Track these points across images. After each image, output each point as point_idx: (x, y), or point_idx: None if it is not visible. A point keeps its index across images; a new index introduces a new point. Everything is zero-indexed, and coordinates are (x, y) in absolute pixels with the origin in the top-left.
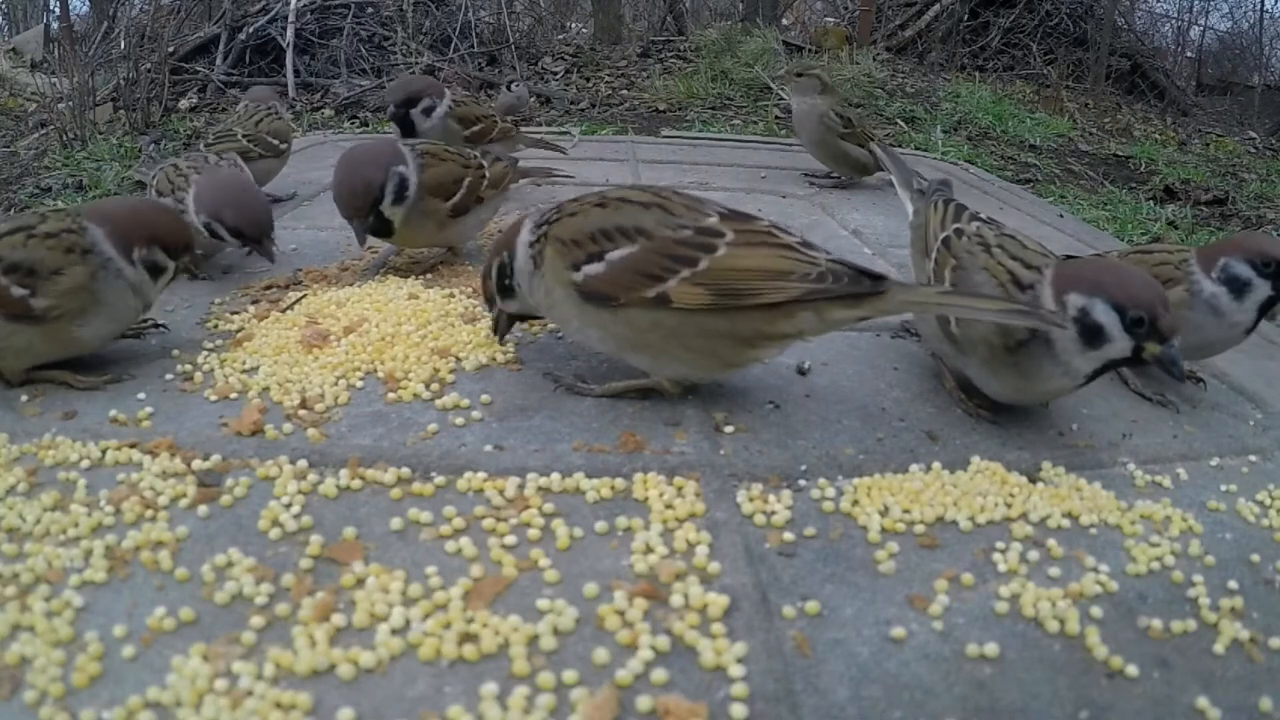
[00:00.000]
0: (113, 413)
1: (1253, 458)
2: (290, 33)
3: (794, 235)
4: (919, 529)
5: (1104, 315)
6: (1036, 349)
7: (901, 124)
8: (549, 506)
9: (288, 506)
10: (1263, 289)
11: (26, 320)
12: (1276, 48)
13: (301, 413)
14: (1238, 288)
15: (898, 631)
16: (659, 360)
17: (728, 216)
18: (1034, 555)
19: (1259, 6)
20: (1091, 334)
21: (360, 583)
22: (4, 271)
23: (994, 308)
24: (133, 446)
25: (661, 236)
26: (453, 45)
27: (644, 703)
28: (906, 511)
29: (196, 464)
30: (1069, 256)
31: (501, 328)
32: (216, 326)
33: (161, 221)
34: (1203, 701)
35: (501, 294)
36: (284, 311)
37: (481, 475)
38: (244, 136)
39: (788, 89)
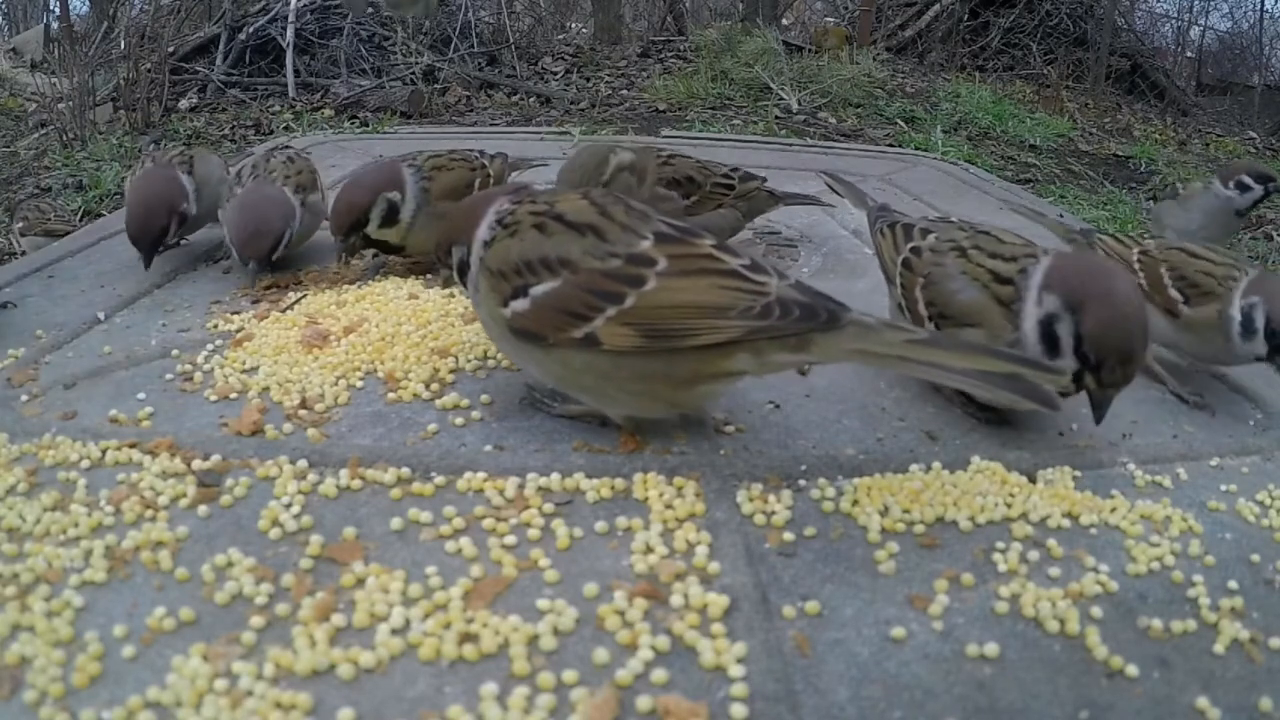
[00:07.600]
0: (113, 413)
1: (1253, 458)
2: (290, 33)
3: (742, 257)
4: (919, 529)
5: (1063, 330)
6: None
7: (901, 124)
8: (549, 506)
9: (288, 506)
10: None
11: None
12: (1276, 48)
13: (301, 413)
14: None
15: (898, 631)
16: (600, 400)
17: (665, 238)
18: (1034, 555)
19: (1259, 6)
20: (1050, 343)
21: (360, 583)
22: None
23: (970, 365)
24: (133, 446)
25: (587, 269)
26: (453, 45)
27: (644, 703)
28: (906, 511)
29: (196, 464)
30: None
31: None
32: (216, 327)
33: None
34: (1203, 701)
35: (460, 275)
36: (284, 311)
37: (481, 475)
38: None
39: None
